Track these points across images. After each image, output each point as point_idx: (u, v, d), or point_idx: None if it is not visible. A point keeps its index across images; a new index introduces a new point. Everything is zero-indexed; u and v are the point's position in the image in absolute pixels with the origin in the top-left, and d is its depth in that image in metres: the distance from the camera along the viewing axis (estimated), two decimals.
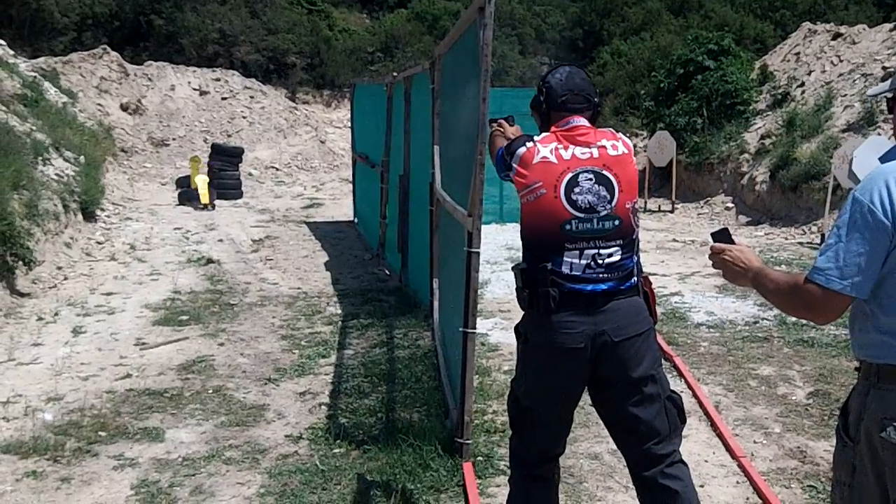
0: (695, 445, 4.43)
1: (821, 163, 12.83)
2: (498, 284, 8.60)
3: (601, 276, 2.85)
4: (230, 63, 27.83)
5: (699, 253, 10.37)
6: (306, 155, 22.06)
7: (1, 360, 6.07)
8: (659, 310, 3.19)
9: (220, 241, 11.50)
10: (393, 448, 4.36)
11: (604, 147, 2.93)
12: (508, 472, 3.27)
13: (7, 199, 8.09)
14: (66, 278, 8.73)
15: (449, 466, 4.14)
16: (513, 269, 3.02)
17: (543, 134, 3.00)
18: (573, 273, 2.84)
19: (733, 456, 4.34)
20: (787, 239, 12.17)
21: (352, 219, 13.53)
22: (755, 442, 4.59)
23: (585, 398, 3.08)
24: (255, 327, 7.10)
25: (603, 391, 2.95)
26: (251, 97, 22.93)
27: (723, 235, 2.45)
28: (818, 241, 11.31)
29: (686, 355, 6.11)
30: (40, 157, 10.66)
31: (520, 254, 3.06)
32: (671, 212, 15.77)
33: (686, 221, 14.81)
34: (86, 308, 7.61)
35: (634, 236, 2.94)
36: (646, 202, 16.03)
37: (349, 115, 15.66)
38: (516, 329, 3.05)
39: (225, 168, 16.47)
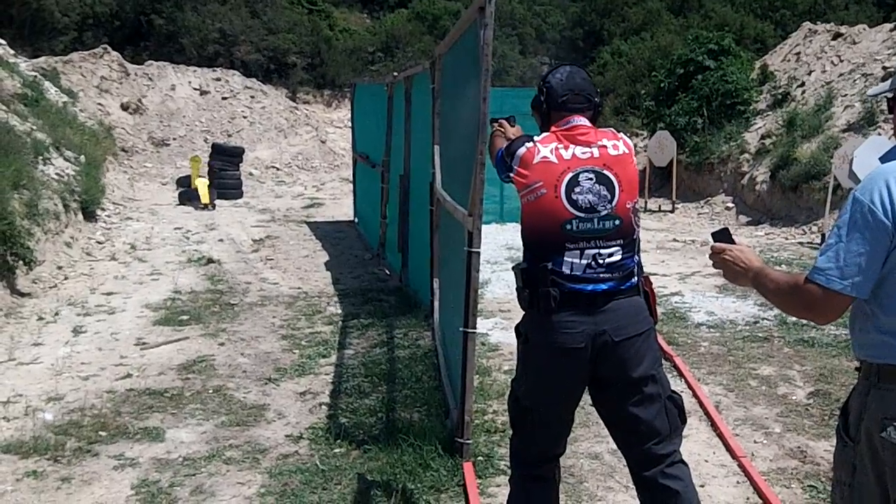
0: (695, 445, 4.43)
1: (821, 163, 12.83)
2: (498, 284, 8.60)
3: (602, 275, 2.85)
4: (231, 63, 27.84)
5: (699, 253, 10.36)
6: (307, 155, 22.06)
7: (1, 359, 6.07)
8: (659, 310, 3.18)
9: (221, 240, 11.50)
10: (393, 448, 4.36)
11: (604, 147, 2.93)
12: (509, 471, 3.27)
13: (7, 198, 8.09)
14: (66, 278, 8.73)
15: (449, 466, 4.14)
16: (513, 268, 3.02)
17: (544, 134, 3.00)
18: (574, 273, 2.84)
19: (733, 456, 4.34)
20: (787, 239, 12.17)
21: (352, 218, 13.53)
22: (755, 442, 4.59)
23: (585, 398, 3.08)
24: (256, 327, 7.10)
25: (603, 391, 2.95)
26: (252, 97, 22.93)
27: (723, 235, 2.45)
28: (818, 241, 11.31)
29: (686, 355, 6.11)
30: (41, 157, 10.66)
31: (520, 253, 3.06)
32: (671, 211, 15.77)
33: (686, 221, 14.81)
34: (86, 308, 7.61)
35: (635, 236, 2.94)
36: (646, 202, 16.03)
37: (350, 115, 15.66)
38: (517, 329, 3.05)
39: (225, 168, 16.47)
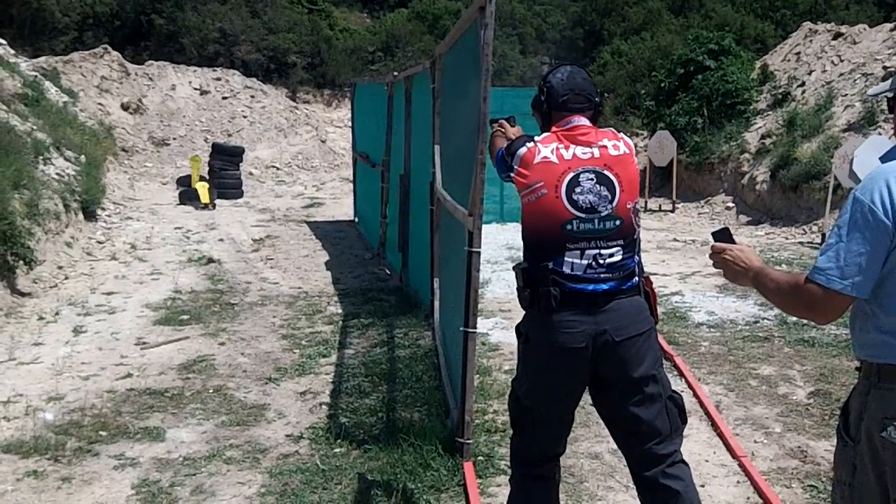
0: (695, 445, 4.43)
1: (821, 162, 12.83)
2: (498, 284, 8.60)
3: (602, 275, 2.85)
4: (231, 62, 27.83)
5: (700, 252, 10.36)
6: (307, 154, 22.06)
7: (2, 359, 6.07)
8: (660, 309, 3.18)
9: (221, 240, 11.50)
10: (393, 447, 4.36)
11: (605, 147, 2.93)
12: (509, 471, 3.27)
13: (8, 198, 8.09)
14: (66, 278, 8.73)
15: (449, 466, 4.14)
16: (514, 268, 3.02)
17: (544, 134, 3.00)
18: (574, 273, 2.84)
19: (734, 456, 4.34)
20: (787, 238, 12.17)
21: (352, 218, 13.53)
22: (756, 441, 4.58)
23: (586, 398, 3.08)
24: (256, 327, 7.10)
25: (604, 391, 2.94)
26: (252, 97, 22.93)
27: (723, 235, 2.45)
28: (819, 240, 11.31)
29: (687, 355, 6.11)
30: (41, 157, 10.66)
31: (520, 253, 3.06)
32: (672, 211, 15.77)
33: (686, 221, 14.81)
34: (86, 307, 7.61)
35: (636, 236, 2.94)
36: (646, 202, 16.02)
37: (350, 115, 15.66)
38: (517, 329, 3.05)
39: (225, 167, 16.49)
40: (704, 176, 16.47)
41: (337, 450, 4.49)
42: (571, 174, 2.87)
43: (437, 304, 6.51)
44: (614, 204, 2.86)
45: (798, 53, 17.56)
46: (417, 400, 5.20)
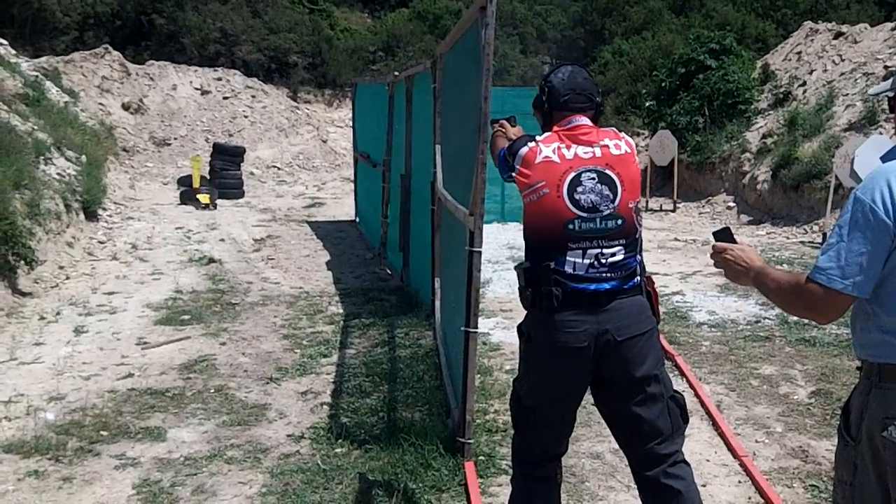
0: (696, 445, 4.43)
1: (822, 162, 12.83)
2: (500, 284, 8.60)
3: (604, 275, 2.85)
4: (232, 62, 27.85)
5: (701, 252, 10.36)
6: (308, 154, 22.06)
7: (3, 359, 6.07)
8: (661, 309, 3.18)
9: (222, 240, 11.51)
10: (394, 447, 4.36)
11: (606, 146, 2.92)
12: (510, 471, 3.27)
13: (9, 198, 8.10)
14: (67, 278, 8.73)
15: (450, 466, 4.14)
16: (515, 268, 3.02)
17: (545, 133, 3.00)
18: (576, 273, 2.84)
19: (735, 455, 4.34)
20: (788, 238, 12.17)
21: (353, 218, 13.53)
22: (757, 441, 4.58)
23: (587, 398, 3.08)
24: (257, 327, 7.10)
25: (606, 391, 2.94)
26: (253, 96, 22.93)
27: (724, 235, 2.45)
28: (820, 240, 11.31)
29: (688, 354, 6.11)
30: (42, 157, 10.66)
31: (521, 253, 3.06)
32: (673, 211, 15.77)
33: (687, 221, 14.81)
34: (87, 307, 7.61)
35: (637, 235, 2.94)
36: (647, 201, 16.02)
37: (351, 115, 15.66)
38: (519, 328, 3.04)
39: (226, 167, 16.50)
40: (705, 175, 16.47)
41: (338, 449, 4.49)
42: (573, 174, 2.87)
43: (437, 303, 6.51)
44: (616, 203, 2.86)
45: (799, 53, 17.56)
46: (418, 400, 5.20)
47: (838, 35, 16.89)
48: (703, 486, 3.85)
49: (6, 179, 8.30)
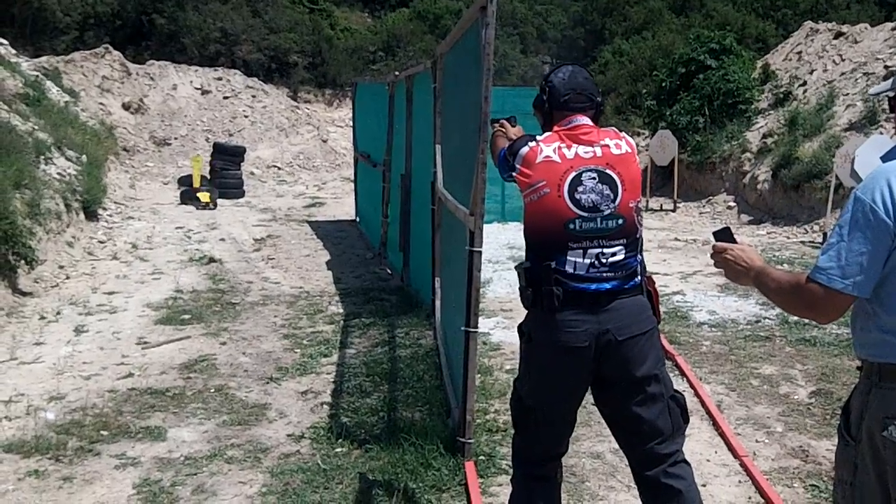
0: (697, 445, 4.43)
1: (823, 162, 12.83)
2: (500, 283, 8.60)
3: (605, 275, 2.85)
4: (232, 62, 27.85)
5: (701, 252, 10.36)
6: (308, 154, 22.06)
7: (3, 359, 6.07)
8: (661, 309, 3.18)
9: (222, 240, 11.51)
10: (395, 447, 4.36)
11: (607, 146, 2.92)
12: (510, 471, 3.27)
13: (9, 198, 8.09)
14: (67, 277, 8.73)
15: (451, 465, 4.14)
16: (516, 268, 3.02)
17: (546, 133, 3.00)
18: (577, 272, 2.84)
19: (735, 455, 4.34)
20: (788, 238, 12.16)
21: (354, 218, 13.53)
22: (757, 441, 4.58)
23: (587, 397, 3.08)
24: (257, 326, 7.10)
25: (606, 390, 2.94)
26: (253, 96, 22.93)
27: (725, 234, 2.45)
28: (820, 240, 11.30)
29: (688, 354, 6.10)
30: (42, 157, 10.66)
31: (521, 253, 3.06)
32: (673, 211, 15.76)
33: (688, 220, 14.81)
34: (88, 307, 7.62)
35: (638, 235, 2.94)
36: (648, 201, 16.01)
37: (351, 115, 15.66)
38: (519, 328, 3.04)
39: (227, 167, 16.50)
40: (706, 175, 16.46)
41: (338, 449, 4.49)
42: (574, 173, 2.86)
43: (438, 303, 6.51)
44: (617, 203, 2.86)
45: (799, 53, 17.55)
46: (419, 399, 5.20)
47: (839, 35, 16.89)
48: (704, 485, 3.85)
49: (6, 179, 8.30)
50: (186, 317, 7.32)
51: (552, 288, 2.82)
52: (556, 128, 2.98)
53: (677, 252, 10.69)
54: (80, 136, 13.47)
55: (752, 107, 16.83)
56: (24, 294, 7.76)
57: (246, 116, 22.05)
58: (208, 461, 4.38)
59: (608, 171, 2.88)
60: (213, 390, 5.49)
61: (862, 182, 2.13)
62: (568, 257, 2.84)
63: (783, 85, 16.76)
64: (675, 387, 3.03)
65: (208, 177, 16.12)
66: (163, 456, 4.45)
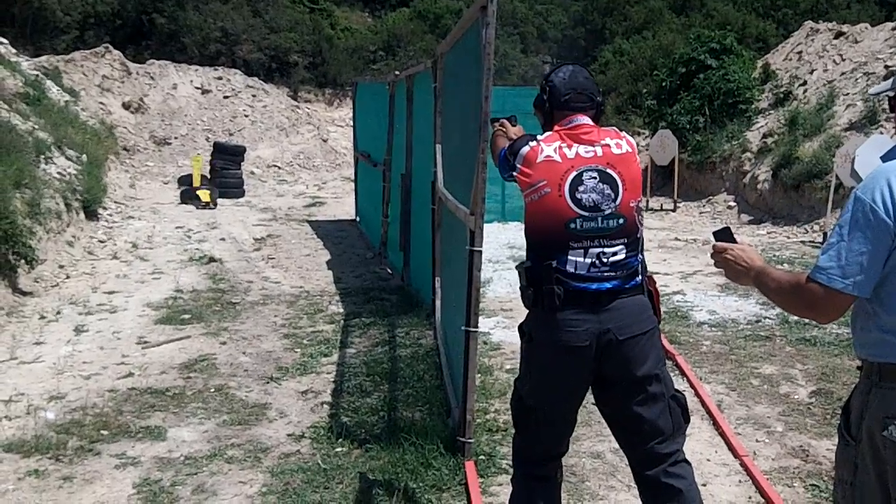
0: (697, 444, 4.43)
1: (823, 161, 12.82)
2: (500, 283, 8.60)
3: (606, 274, 2.85)
4: (232, 62, 27.84)
5: (701, 252, 10.36)
6: (308, 153, 22.06)
7: (3, 358, 6.07)
8: (661, 308, 3.18)
9: (223, 239, 11.51)
10: (395, 447, 4.36)
11: (608, 145, 2.92)
12: (511, 470, 3.27)
13: (9, 197, 8.09)
14: (68, 277, 8.73)
15: (451, 465, 4.14)
16: (517, 267, 3.02)
17: (547, 133, 3.00)
18: (578, 272, 2.84)
19: (735, 455, 4.34)
20: (789, 238, 12.16)
21: (354, 217, 13.53)
22: (757, 441, 4.58)
23: (587, 397, 3.08)
24: (258, 326, 7.10)
25: (607, 390, 2.94)
26: (253, 96, 22.94)
27: (725, 234, 2.45)
28: (820, 239, 11.30)
29: (688, 354, 6.10)
30: (42, 156, 10.66)
31: (522, 252, 3.06)
32: (673, 210, 15.76)
33: (688, 220, 14.81)
34: (88, 307, 7.62)
35: (639, 235, 2.94)
36: (648, 201, 16.01)
37: (351, 114, 15.67)
38: (520, 328, 3.04)
39: (227, 167, 16.51)
40: (706, 175, 16.46)
41: (338, 449, 4.49)
42: (574, 173, 2.86)
43: (438, 303, 6.51)
44: (617, 202, 2.86)
45: (800, 52, 17.55)
46: (419, 399, 5.20)
47: (839, 35, 16.89)
48: (704, 485, 3.85)
49: (7, 178, 8.30)
50: (186, 316, 7.32)
51: (553, 287, 2.82)
52: (556, 127, 2.98)
53: (677, 252, 10.69)
54: (80, 136, 13.47)
55: (753, 106, 16.83)
56: (25, 293, 7.76)
57: (246, 116, 22.05)
58: (208, 461, 4.38)
59: (609, 170, 2.88)
60: (213, 390, 5.49)
61: (862, 182, 2.13)
62: (569, 257, 2.84)
63: (783, 85, 16.76)
64: (676, 386, 3.03)
65: (208, 176, 16.12)
66: (163, 456, 4.45)
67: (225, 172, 16.38)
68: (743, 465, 4.22)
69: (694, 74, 17.57)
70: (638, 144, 16.89)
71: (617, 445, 3.17)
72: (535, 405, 2.98)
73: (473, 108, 4.32)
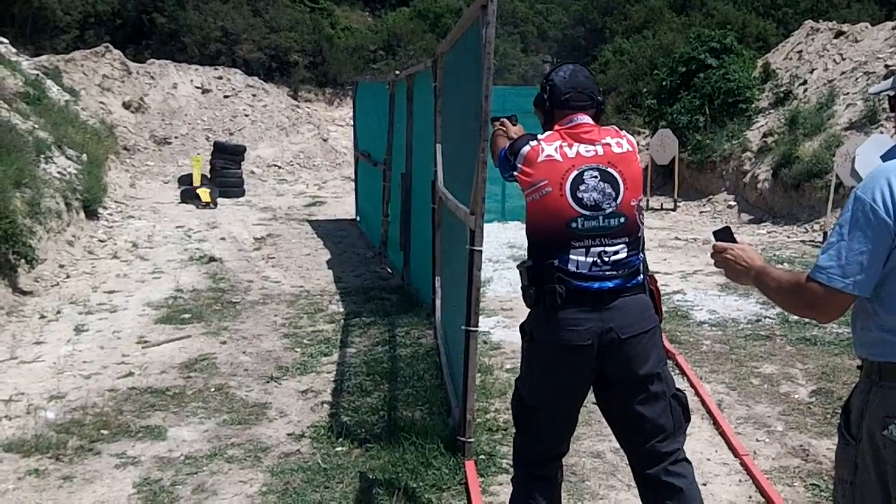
0: (697, 444, 4.43)
1: (823, 161, 12.82)
2: (500, 282, 8.60)
3: (607, 273, 2.85)
4: (232, 61, 27.83)
5: (701, 251, 10.36)
6: (308, 153, 22.06)
7: (3, 358, 6.07)
8: (662, 307, 3.18)
9: (223, 239, 11.51)
10: (395, 446, 4.36)
11: (608, 145, 2.92)
12: (511, 470, 3.27)
13: (9, 197, 8.09)
14: (68, 276, 8.73)
15: (451, 465, 4.14)
16: (518, 266, 3.02)
17: (547, 132, 3.00)
18: (579, 271, 2.84)
19: (736, 454, 4.34)
20: (789, 237, 12.16)
21: (354, 217, 13.53)
22: (758, 440, 4.58)
23: (588, 396, 3.07)
24: (258, 325, 7.10)
25: (608, 389, 2.94)
26: (253, 95, 22.93)
27: (725, 234, 2.45)
28: (820, 239, 11.30)
29: (688, 353, 6.10)
30: (42, 156, 10.66)
31: (522, 252, 3.06)
32: (673, 210, 15.76)
33: (688, 220, 14.80)
34: (88, 306, 7.62)
35: (640, 234, 2.94)
36: (648, 200, 16.00)
37: (351, 114, 15.67)
38: (521, 327, 3.04)
39: (227, 166, 16.51)
40: (706, 174, 16.46)
41: (338, 448, 4.49)
42: (575, 172, 2.86)
43: (438, 302, 6.51)
44: (618, 201, 2.86)
45: (800, 52, 17.54)
46: (419, 399, 5.20)
47: (839, 34, 16.88)
48: (704, 484, 3.85)
49: (7, 178, 8.30)
50: (187, 316, 7.32)
51: (555, 286, 2.82)
52: (557, 126, 2.98)
53: (678, 251, 10.69)
54: (80, 135, 13.47)
55: (753, 106, 16.82)
56: (25, 293, 7.76)
57: (246, 115, 22.05)
58: (208, 460, 4.38)
59: (610, 169, 2.88)
60: (213, 389, 5.49)
61: (862, 181, 2.13)
62: (570, 256, 2.84)
63: (783, 84, 16.75)
64: (676, 386, 3.03)
65: (209, 176, 16.12)
66: (163, 455, 4.45)
67: (225, 172, 16.38)
68: (743, 464, 4.22)
69: (694, 74, 17.56)
70: (638, 144, 16.85)
71: (617, 445, 3.17)
72: (536, 405, 2.97)
73: (473, 108, 4.32)
